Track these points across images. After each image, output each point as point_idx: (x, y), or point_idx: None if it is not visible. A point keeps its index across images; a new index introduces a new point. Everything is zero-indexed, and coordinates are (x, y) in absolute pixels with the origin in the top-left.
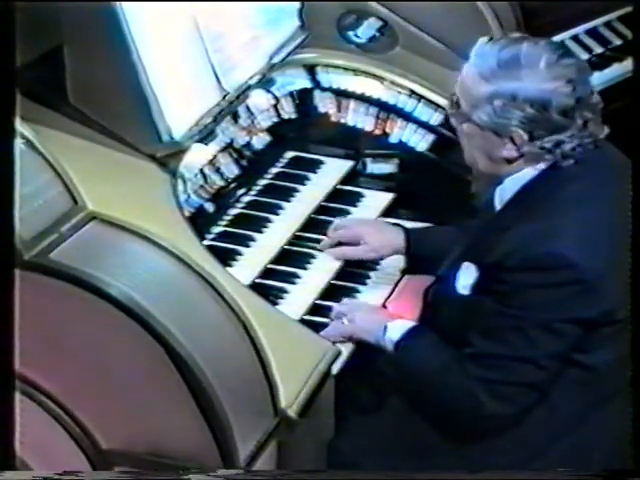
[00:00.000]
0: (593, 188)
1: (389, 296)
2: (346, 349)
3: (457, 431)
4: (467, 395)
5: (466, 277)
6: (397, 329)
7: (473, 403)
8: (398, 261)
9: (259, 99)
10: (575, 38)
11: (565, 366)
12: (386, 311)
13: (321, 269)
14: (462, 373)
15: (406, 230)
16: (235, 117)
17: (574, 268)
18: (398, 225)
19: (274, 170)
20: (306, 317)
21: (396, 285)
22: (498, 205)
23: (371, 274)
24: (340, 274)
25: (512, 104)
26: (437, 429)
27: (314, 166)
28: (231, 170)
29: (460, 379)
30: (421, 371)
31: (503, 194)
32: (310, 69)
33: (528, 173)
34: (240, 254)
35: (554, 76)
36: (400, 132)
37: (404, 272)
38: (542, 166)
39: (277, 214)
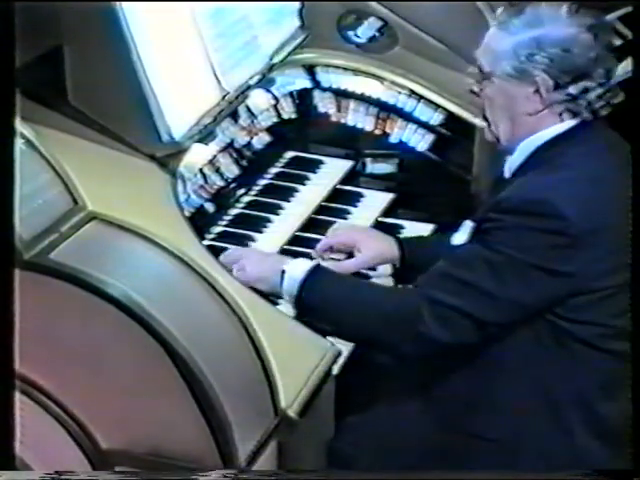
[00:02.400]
0: (603, 156)
1: None
2: (346, 349)
3: (394, 345)
4: (412, 312)
5: (462, 233)
6: (298, 269)
7: (414, 317)
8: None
9: (259, 99)
10: None
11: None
12: (279, 256)
13: None
14: (407, 290)
15: (399, 241)
16: (235, 117)
17: (563, 220)
18: (391, 236)
19: (274, 170)
20: None
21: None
22: (507, 175)
23: (371, 274)
24: None
25: (536, 50)
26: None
27: (314, 166)
28: (231, 170)
29: (407, 295)
30: (342, 298)
31: (512, 163)
32: (310, 69)
33: (540, 138)
34: None
35: (575, 23)
36: (400, 132)
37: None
38: (556, 130)
39: (277, 214)
